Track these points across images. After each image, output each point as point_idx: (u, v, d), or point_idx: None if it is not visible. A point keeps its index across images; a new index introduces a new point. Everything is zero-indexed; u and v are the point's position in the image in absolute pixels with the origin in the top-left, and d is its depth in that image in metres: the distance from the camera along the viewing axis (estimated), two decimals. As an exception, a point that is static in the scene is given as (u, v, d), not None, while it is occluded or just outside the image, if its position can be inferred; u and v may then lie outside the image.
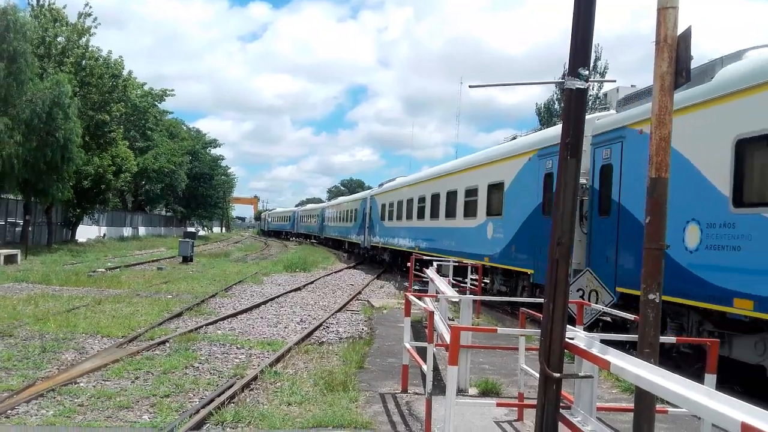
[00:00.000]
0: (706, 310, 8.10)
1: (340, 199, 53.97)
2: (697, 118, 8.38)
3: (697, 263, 8.15)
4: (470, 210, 17.77)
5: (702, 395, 2.88)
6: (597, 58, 39.84)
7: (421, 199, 23.12)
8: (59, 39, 33.36)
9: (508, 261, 14.89)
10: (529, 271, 13.49)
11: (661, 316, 7.73)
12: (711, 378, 4.60)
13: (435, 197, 21.37)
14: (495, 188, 16.14)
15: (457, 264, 16.02)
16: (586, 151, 11.68)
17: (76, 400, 6.57)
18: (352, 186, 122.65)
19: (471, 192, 17.80)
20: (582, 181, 12.26)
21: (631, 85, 12.17)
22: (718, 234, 7.84)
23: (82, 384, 7.22)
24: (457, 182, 19.25)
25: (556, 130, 13.39)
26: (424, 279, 15.11)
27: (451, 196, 19.56)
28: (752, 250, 7.23)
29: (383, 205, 30.46)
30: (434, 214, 21.32)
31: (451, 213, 19.53)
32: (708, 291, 7.88)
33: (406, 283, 19.66)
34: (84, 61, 33.78)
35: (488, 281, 14.34)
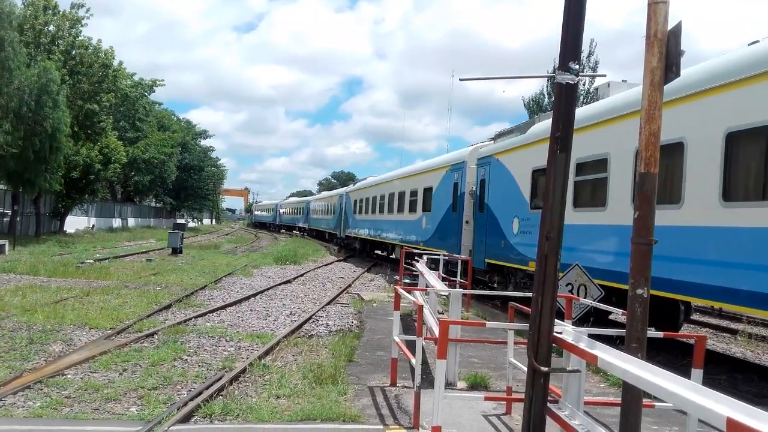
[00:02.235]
0: (523, 270, 13.48)
1: (323, 193, 58.47)
2: (518, 155, 14.01)
3: (517, 242, 13.70)
4: (413, 207, 22.90)
5: (688, 390, 2.89)
6: (590, 53, 39.82)
7: (382, 197, 28.00)
8: (49, 27, 32.99)
9: (433, 245, 19.70)
10: (444, 252, 16.91)
11: (504, 275, 14.52)
12: (698, 373, 4.63)
13: (391, 196, 26.33)
14: (427, 191, 21.25)
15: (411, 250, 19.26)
16: (474, 167, 17.14)
17: (63, 392, 6.53)
18: (343, 179, 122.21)
19: (413, 193, 22.94)
20: (473, 188, 17.27)
21: (623, 80, 12.23)
22: (525, 224, 13.22)
23: (69, 376, 7.18)
24: (405, 185, 24.38)
25: (460, 153, 19.48)
26: (414, 272, 15.19)
27: (402, 195, 24.60)
28: (537, 234, 10.55)
29: (355, 201, 35.21)
30: (390, 209, 26.28)
31: (401, 209, 24.55)
32: (522, 258, 13.35)
33: (396, 277, 19.71)
34: (74, 50, 33.44)
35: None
